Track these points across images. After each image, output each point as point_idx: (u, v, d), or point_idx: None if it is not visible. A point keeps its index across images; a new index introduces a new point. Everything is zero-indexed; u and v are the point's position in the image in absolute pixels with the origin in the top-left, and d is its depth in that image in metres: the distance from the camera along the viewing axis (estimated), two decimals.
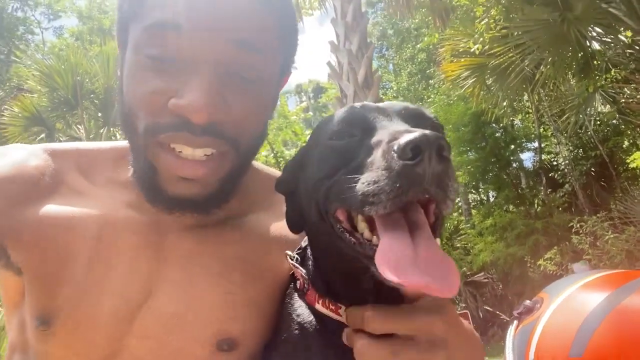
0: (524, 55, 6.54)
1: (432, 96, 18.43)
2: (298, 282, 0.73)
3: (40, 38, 22.84)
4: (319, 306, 0.67)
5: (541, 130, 12.72)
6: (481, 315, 10.28)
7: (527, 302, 1.14)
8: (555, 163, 13.03)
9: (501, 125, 11.96)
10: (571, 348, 0.91)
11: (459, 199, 17.72)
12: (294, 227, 0.73)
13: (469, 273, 12.92)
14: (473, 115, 11.19)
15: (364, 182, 0.52)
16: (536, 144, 12.97)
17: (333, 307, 0.66)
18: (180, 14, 0.62)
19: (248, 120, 0.69)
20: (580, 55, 6.78)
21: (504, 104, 8.30)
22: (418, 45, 19.42)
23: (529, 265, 9.07)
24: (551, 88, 8.21)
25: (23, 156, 0.77)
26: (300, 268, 0.71)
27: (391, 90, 24.13)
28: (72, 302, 0.68)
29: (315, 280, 0.69)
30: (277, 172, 0.90)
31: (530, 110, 12.20)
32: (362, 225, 0.57)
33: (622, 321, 0.89)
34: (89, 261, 0.69)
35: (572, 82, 8.24)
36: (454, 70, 7.97)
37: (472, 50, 7.10)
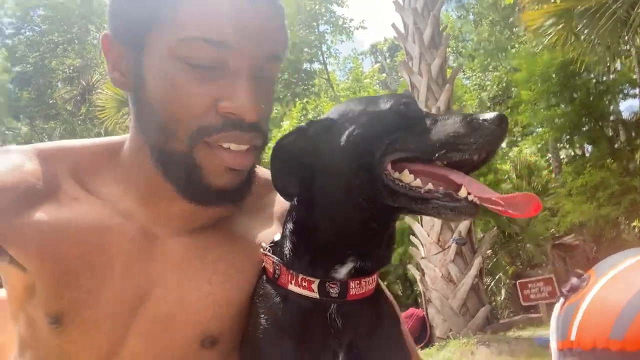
0: None
1: (515, 45, 17.10)
2: (267, 272, 0.80)
3: None
4: (292, 286, 0.75)
5: None
6: None
7: (575, 279, 1.09)
8: None
9: (593, 74, 10.84)
10: (612, 330, 0.87)
11: (549, 155, 16.50)
12: (290, 190, 0.79)
13: (557, 235, 12.15)
14: (561, 65, 10.24)
15: (445, 136, 0.66)
16: (637, 91, 11.65)
17: (306, 284, 0.74)
18: (226, 33, 0.69)
19: (269, 115, 0.81)
20: None
21: (598, 50, 7.49)
22: None
23: (622, 227, 8.35)
24: None
25: (19, 161, 0.79)
26: (272, 256, 0.79)
27: (471, 42, 22.67)
28: (76, 306, 0.75)
29: (294, 259, 0.76)
30: (265, 172, 0.93)
31: (631, 55, 10.88)
32: (410, 177, 0.68)
33: None
34: (88, 268, 0.76)
35: None
36: (536, 19, 7.31)
37: None
